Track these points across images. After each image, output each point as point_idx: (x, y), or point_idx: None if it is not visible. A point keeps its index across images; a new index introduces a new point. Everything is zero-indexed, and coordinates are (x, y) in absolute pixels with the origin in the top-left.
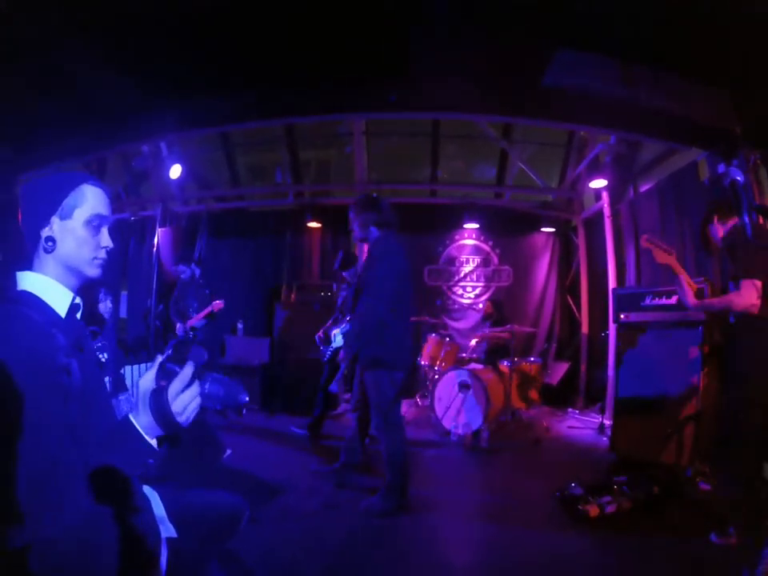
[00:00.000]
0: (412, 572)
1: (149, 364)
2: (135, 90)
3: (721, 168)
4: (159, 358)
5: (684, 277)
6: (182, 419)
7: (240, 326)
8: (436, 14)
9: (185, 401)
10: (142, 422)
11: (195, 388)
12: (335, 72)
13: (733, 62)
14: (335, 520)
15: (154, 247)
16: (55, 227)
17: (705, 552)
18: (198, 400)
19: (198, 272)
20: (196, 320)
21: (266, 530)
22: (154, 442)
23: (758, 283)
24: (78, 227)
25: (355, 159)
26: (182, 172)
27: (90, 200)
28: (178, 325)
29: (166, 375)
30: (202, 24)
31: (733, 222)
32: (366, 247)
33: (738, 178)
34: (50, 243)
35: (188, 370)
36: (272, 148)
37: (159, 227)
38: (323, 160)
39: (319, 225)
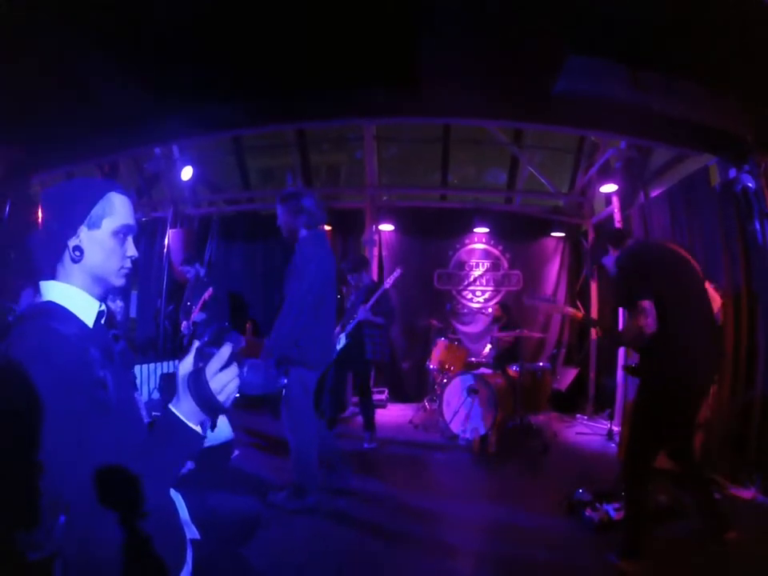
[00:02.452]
0: (420, 574)
1: (158, 364)
2: (148, 94)
3: (731, 173)
4: (197, 344)
5: (572, 312)
6: (221, 398)
7: (249, 327)
8: (446, 19)
9: (222, 381)
10: (184, 409)
11: (234, 368)
12: (346, 77)
13: (744, 66)
14: (342, 523)
15: (164, 248)
16: (83, 237)
17: (712, 559)
18: (236, 381)
19: (202, 272)
20: (194, 314)
21: (272, 532)
22: (198, 429)
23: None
24: (106, 238)
25: (366, 163)
26: (193, 174)
27: (118, 209)
28: (184, 323)
29: (204, 359)
30: (214, 30)
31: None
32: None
33: (750, 185)
34: (77, 253)
35: (225, 351)
36: (283, 152)
37: (170, 229)
38: (334, 164)
39: (329, 228)
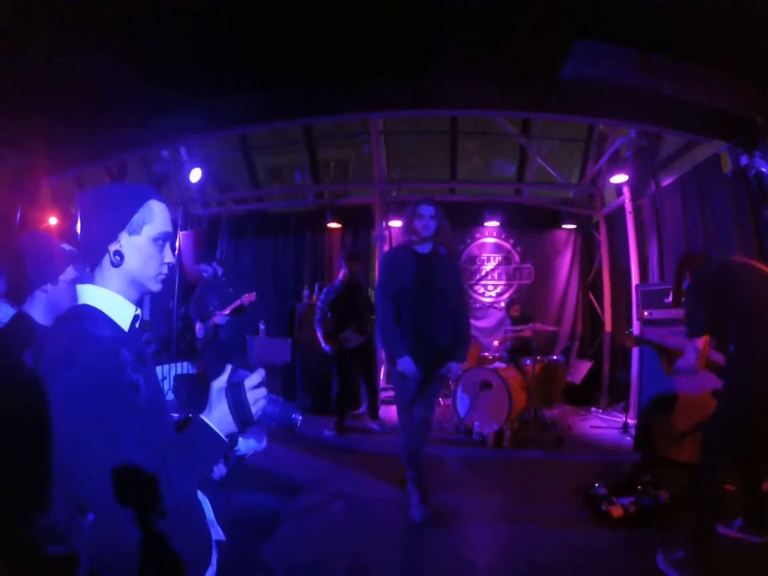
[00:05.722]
0: (435, 572)
1: (172, 365)
2: (153, 93)
3: (744, 160)
4: (230, 367)
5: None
6: (252, 409)
7: (262, 326)
8: (451, 9)
9: (256, 395)
10: (215, 418)
11: (264, 390)
12: (351, 71)
13: (755, 50)
14: (357, 519)
15: (175, 250)
16: (123, 242)
17: (727, 551)
18: (264, 400)
19: (220, 271)
20: (221, 316)
21: (287, 528)
22: (224, 437)
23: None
24: (145, 244)
25: (374, 158)
26: (201, 175)
27: (158, 217)
28: (198, 324)
29: (236, 378)
30: (218, 25)
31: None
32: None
33: (764, 170)
34: (117, 258)
35: (261, 372)
36: (290, 149)
37: (180, 230)
38: (342, 160)
39: (339, 225)
